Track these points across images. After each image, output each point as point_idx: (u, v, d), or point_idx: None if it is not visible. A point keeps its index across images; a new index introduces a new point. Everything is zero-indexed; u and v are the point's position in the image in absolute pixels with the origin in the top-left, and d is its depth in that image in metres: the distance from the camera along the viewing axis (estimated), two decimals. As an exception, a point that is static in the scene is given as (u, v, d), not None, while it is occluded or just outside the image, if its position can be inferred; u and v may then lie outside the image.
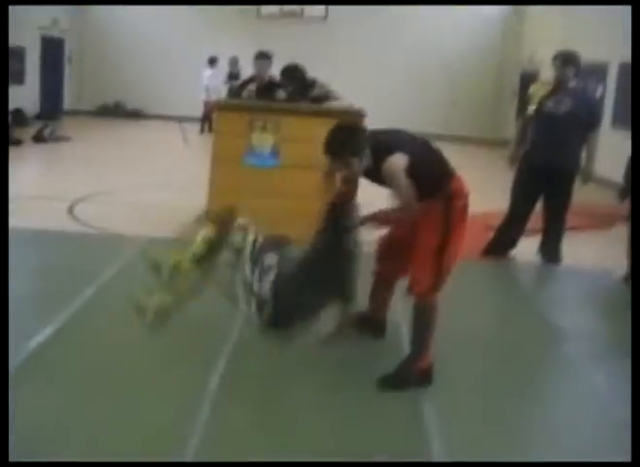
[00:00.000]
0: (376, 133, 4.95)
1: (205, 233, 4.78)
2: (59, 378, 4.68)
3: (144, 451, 3.87)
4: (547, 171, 7.99)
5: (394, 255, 5.25)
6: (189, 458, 3.83)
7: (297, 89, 8.98)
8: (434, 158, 5.03)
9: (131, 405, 4.38)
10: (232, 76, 19.70)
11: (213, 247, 4.76)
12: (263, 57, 9.29)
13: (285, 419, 4.39)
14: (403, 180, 4.71)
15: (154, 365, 4.92)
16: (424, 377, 4.91)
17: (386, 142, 4.91)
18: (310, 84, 9.02)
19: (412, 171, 4.75)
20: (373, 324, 5.66)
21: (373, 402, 4.66)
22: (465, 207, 4.95)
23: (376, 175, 4.83)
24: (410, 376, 4.87)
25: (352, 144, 4.81)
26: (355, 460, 3.96)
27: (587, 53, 15.90)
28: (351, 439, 4.23)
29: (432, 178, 4.89)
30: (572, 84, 8.16)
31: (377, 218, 5.04)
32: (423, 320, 4.90)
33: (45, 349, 5.10)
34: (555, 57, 8.14)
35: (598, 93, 16.48)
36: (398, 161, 4.74)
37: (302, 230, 8.07)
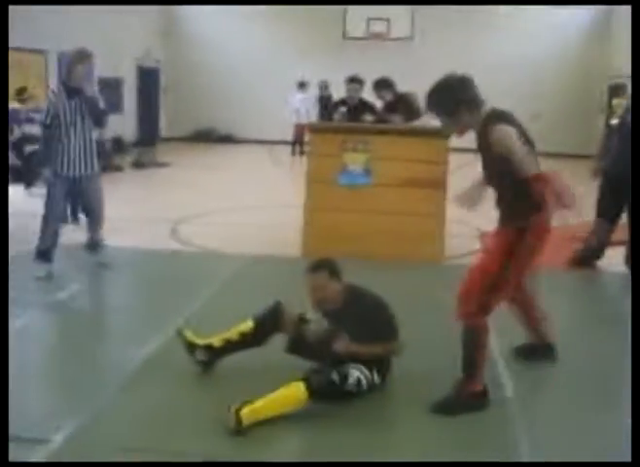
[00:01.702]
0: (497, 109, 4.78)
1: (245, 326, 5.19)
2: (171, 380, 5.14)
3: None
4: (629, 182, 8.16)
5: None
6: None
7: (388, 103, 9.52)
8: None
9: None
10: (323, 99, 20.00)
11: (246, 340, 5.17)
12: (354, 82, 9.77)
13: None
14: (516, 143, 4.43)
15: (249, 375, 5.18)
16: (477, 401, 4.81)
17: (503, 115, 4.71)
18: (399, 96, 9.56)
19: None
20: (540, 349, 5.67)
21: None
22: (538, 246, 4.78)
23: (482, 144, 4.71)
24: (462, 401, 4.77)
25: (443, 101, 4.74)
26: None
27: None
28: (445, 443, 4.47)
29: (527, 196, 4.67)
30: (654, 96, 8.35)
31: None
32: (470, 344, 4.79)
33: (157, 355, 5.58)
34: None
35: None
36: (510, 130, 4.52)
37: (393, 245, 8.49)
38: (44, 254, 7.69)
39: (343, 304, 4.98)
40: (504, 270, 4.71)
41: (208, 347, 5.17)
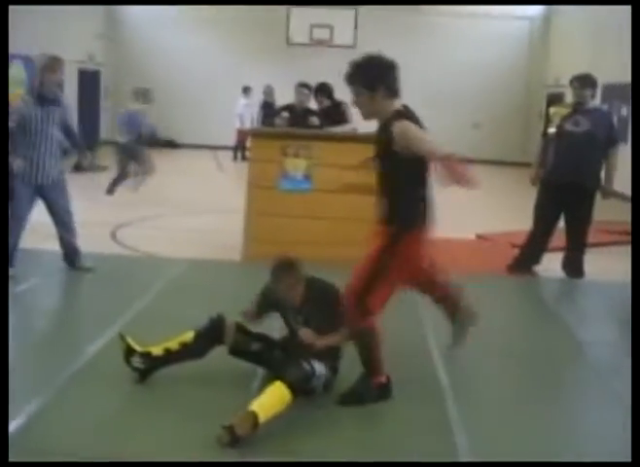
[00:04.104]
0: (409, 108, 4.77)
1: (186, 337, 5.10)
2: (112, 382, 5.10)
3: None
4: (567, 189, 8.31)
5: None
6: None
7: (327, 107, 9.63)
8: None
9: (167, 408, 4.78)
10: (267, 105, 19.85)
11: (186, 351, 5.07)
12: (304, 87, 9.87)
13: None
14: (418, 132, 4.52)
15: (192, 377, 5.18)
16: (383, 391, 4.95)
17: (412, 114, 4.72)
18: (337, 103, 9.69)
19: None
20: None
21: (402, 407, 4.96)
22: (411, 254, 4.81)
23: (383, 143, 4.67)
24: (369, 391, 4.90)
25: (366, 74, 4.64)
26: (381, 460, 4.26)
27: (612, 75, 16.32)
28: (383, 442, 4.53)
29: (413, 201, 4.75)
30: (590, 105, 8.52)
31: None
32: (362, 346, 4.88)
33: (97, 358, 5.55)
34: (573, 80, 8.51)
35: (624, 113, 16.77)
36: (411, 124, 4.56)
37: (333, 250, 8.51)
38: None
39: (305, 298, 4.98)
40: (378, 272, 4.70)
41: (146, 355, 5.07)
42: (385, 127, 4.66)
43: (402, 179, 4.71)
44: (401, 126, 4.54)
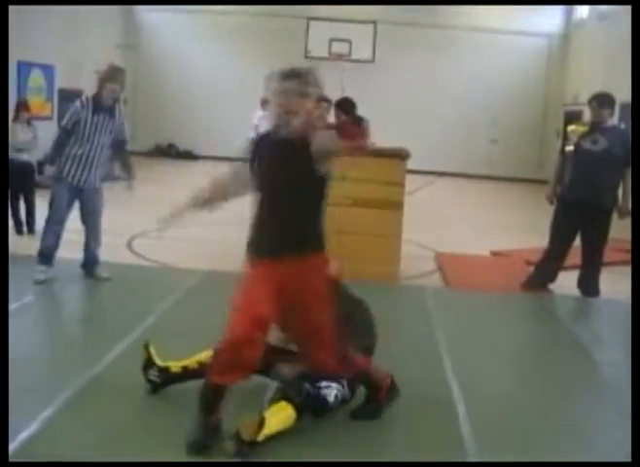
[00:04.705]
0: None
1: (204, 356, 5.04)
2: (126, 392, 5.11)
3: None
4: (584, 207, 8.30)
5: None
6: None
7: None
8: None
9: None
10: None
11: (204, 369, 4.89)
12: (323, 101, 9.82)
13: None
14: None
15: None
16: (392, 393, 4.98)
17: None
18: (357, 118, 9.66)
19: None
20: None
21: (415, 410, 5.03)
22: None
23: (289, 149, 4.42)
24: (379, 406, 4.93)
25: (318, 85, 4.54)
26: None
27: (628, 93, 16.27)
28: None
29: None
30: (608, 123, 8.52)
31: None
32: (365, 381, 4.92)
33: (114, 367, 5.58)
34: (592, 99, 8.50)
35: None
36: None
37: (348, 265, 8.46)
38: (45, 255, 7.72)
39: None
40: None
41: (164, 370, 5.08)
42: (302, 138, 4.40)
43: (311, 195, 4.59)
44: (323, 133, 4.48)
